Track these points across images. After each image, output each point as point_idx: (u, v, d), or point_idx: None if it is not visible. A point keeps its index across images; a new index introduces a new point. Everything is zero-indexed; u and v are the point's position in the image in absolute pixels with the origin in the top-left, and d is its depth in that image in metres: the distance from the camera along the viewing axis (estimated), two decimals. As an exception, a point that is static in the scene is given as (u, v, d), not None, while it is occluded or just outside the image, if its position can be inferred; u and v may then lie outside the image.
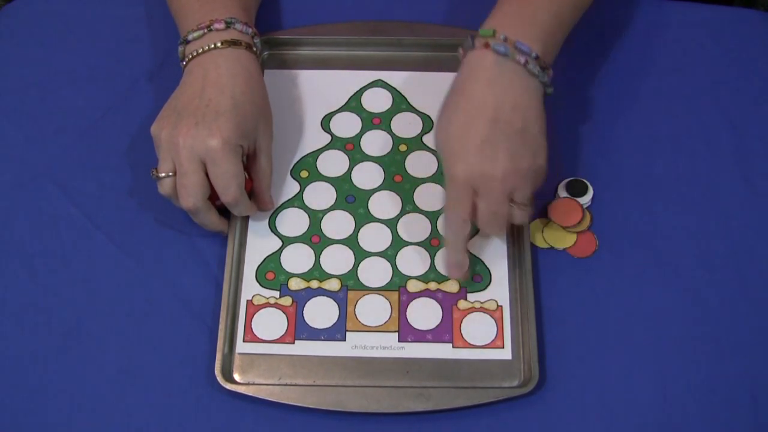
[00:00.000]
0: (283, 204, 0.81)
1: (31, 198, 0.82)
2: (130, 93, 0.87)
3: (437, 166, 0.82)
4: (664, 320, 0.75)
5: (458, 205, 0.72)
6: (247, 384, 0.73)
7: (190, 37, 0.77)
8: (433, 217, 0.79)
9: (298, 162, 0.83)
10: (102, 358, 0.74)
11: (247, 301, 0.76)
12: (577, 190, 0.80)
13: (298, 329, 0.75)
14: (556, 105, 0.84)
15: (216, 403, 0.72)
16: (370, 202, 0.81)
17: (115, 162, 0.84)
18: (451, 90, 0.74)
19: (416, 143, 0.83)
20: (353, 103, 0.86)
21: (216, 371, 0.72)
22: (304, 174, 0.82)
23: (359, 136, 0.84)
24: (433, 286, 0.76)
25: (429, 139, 0.83)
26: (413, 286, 0.76)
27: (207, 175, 0.73)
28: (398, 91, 0.86)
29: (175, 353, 0.74)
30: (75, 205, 0.81)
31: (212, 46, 0.76)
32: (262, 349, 0.74)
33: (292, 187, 0.81)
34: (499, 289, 0.76)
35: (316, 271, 0.77)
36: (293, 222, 0.80)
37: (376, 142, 0.84)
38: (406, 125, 0.84)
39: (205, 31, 0.77)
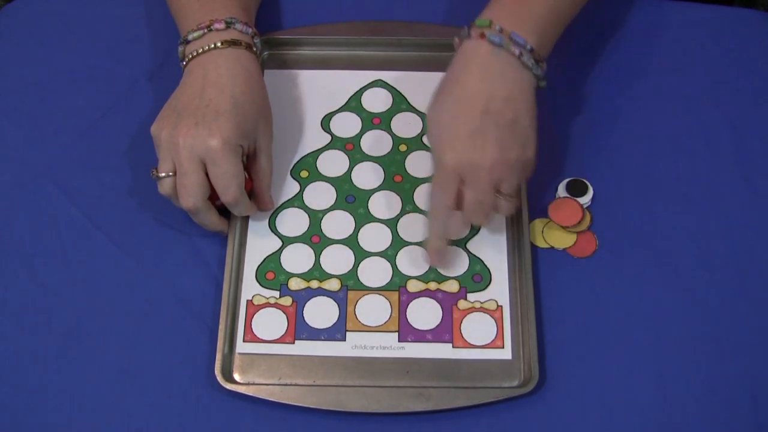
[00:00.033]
0: (283, 204, 0.81)
1: (31, 198, 0.82)
2: (130, 93, 0.87)
3: (437, 166, 0.82)
4: (664, 320, 0.75)
5: (444, 193, 0.73)
6: (247, 384, 0.73)
7: (190, 37, 0.77)
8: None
9: (298, 162, 0.83)
10: (102, 358, 0.74)
11: (247, 301, 0.76)
12: (577, 190, 0.80)
13: (298, 329, 0.75)
14: (556, 105, 0.84)
15: (216, 403, 0.72)
16: (370, 202, 0.81)
17: (115, 162, 0.84)
18: (445, 78, 0.74)
19: (416, 143, 0.83)
20: (353, 103, 0.86)
21: (216, 371, 0.72)
22: (304, 174, 0.82)
23: (359, 136, 0.84)
24: (433, 286, 0.76)
25: (429, 139, 0.83)
26: (413, 286, 0.76)
27: (207, 175, 0.73)
28: (398, 91, 0.86)
29: (175, 353, 0.74)
30: (75, 205, 0.81)
31: (212, 46, 0.76)
32: (262, 349, 0.74)
33: (292, 187, 0.81)
34: (499, 289, 0.76)
35: (316, 271, 0.77)
36: (293, 222, 0.80)
37: (376, 142, 0.84)
38: (406, 125, 0.84)
39: (205, 31, 0.77)
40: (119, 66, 0.89)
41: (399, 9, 0.91)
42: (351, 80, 0.87)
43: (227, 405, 0.72)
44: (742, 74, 0.87)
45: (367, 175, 0.82)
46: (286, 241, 0.79)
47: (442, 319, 0.75)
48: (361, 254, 0.78)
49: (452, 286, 0.76)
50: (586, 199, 0.80)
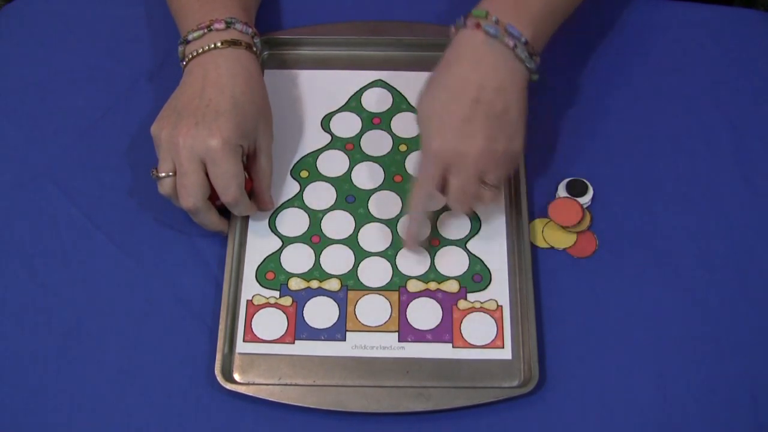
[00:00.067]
0: (283, 204, 0.81)
1: (31, 198, 0.82)
2: (130, 93, 0.87)
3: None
4: (664, 320, 0.75)
5: (429, 179, 0.73)
6: (247, 384, 0.73)
7: (190, 37, 0.77)
8: (433, 217, 0.79)
9: (298, 162, 0.83)
10: (102, 358, 0.74)
11: (247, 301, 0.76)
12: (577, 190, 0.80)
13: (298, 329, 0.75)
14: (556, 105, 0.84)
15: (216, 403, 0.72)
16: (370, 202, 0.81)
17: (115, 162, 0.84)
18: (439, 66, 0.75)
19: (416, 143, 0.83)
20: (353, 103, 0.86)
21: (216, 371, 0.72)
22: (304, 174, 0.82)
23: (359, 136, 0.84)
24: (433, 286, 0.76)
25: (429, 139, 0.83)
26: (413, 286, 0.76)
27: (207, 175, 0.73)
28: (398, 91, 0.86)
29: (175, 353, 0.74)
30: (75, 205, 0.81)
31: (212, 46, 0.76)
32: (262, 349, 0.74)
33: (292, 187, 0.81)
34: (499, 289, 0.76)
35: (316, 271, 0.77)
36: (293, 222, 0.80)
37: (376, 142, 0.84)
38: (406, 125, 0.84)
39: (205, 31, 0.77)
40: (119, 66, 0.89)
41: (399, 9, 0.91)
42: (351, 80, 0.87)
43: (227, 405, 0.72)
44: (742, 74, 0.87)
45: (367, 175, 0.82)
46: (286, 241, 0.79)
47: (442, 319, 0.75)
48: (361, 254, 0.78)
49: (452, 286, 0.76)
50: (586, 199, 0.80)
